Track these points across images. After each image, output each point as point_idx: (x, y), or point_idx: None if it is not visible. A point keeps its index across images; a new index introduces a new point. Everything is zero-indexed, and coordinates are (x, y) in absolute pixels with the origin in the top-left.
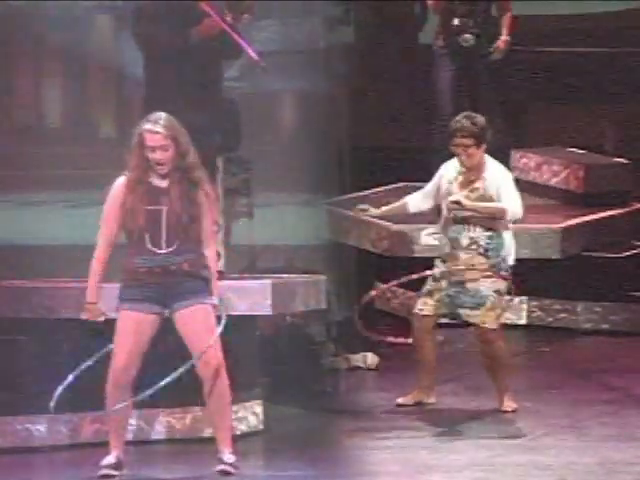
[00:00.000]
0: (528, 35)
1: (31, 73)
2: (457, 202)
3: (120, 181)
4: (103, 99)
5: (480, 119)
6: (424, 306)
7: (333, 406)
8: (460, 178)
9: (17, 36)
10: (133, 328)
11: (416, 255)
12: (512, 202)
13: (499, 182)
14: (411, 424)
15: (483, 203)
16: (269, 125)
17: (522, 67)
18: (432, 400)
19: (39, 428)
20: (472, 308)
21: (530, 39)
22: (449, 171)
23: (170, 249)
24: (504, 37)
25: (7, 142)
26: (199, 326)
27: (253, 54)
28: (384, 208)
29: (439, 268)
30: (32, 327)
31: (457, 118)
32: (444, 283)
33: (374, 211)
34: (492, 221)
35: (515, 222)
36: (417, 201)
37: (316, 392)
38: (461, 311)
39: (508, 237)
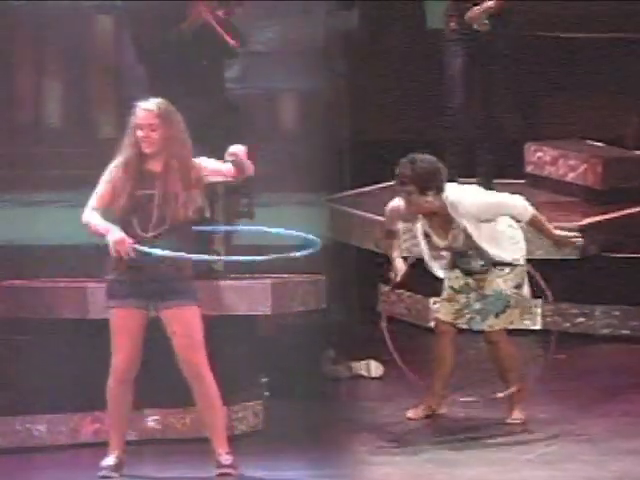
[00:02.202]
0: (547, 20)
1: (31, 73)
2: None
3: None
4: (103, 99)
5: (424, 164)
6: (443, 309)
7: (333, 416)
8: (428, 227)
9: (17, 36)
10: (125, 324)
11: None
12: (516, 203)
13: (476, 213)
14: (416, 436)
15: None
16: (269, 125)
17: (538, 54)
18: (443, 410)
19: (39, 428)
20: (498, 314)
21: (548, 24)
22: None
23: (157, 232)
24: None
25: (7, 142)
26: (182, 329)
27: (229, 39)
28: (396, 255)
29: (453, 279)
30: (32, 327)
31: (401, 160)
32: (463, 297)
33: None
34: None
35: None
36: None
37: (316, 393)
38: (486, 323)
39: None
